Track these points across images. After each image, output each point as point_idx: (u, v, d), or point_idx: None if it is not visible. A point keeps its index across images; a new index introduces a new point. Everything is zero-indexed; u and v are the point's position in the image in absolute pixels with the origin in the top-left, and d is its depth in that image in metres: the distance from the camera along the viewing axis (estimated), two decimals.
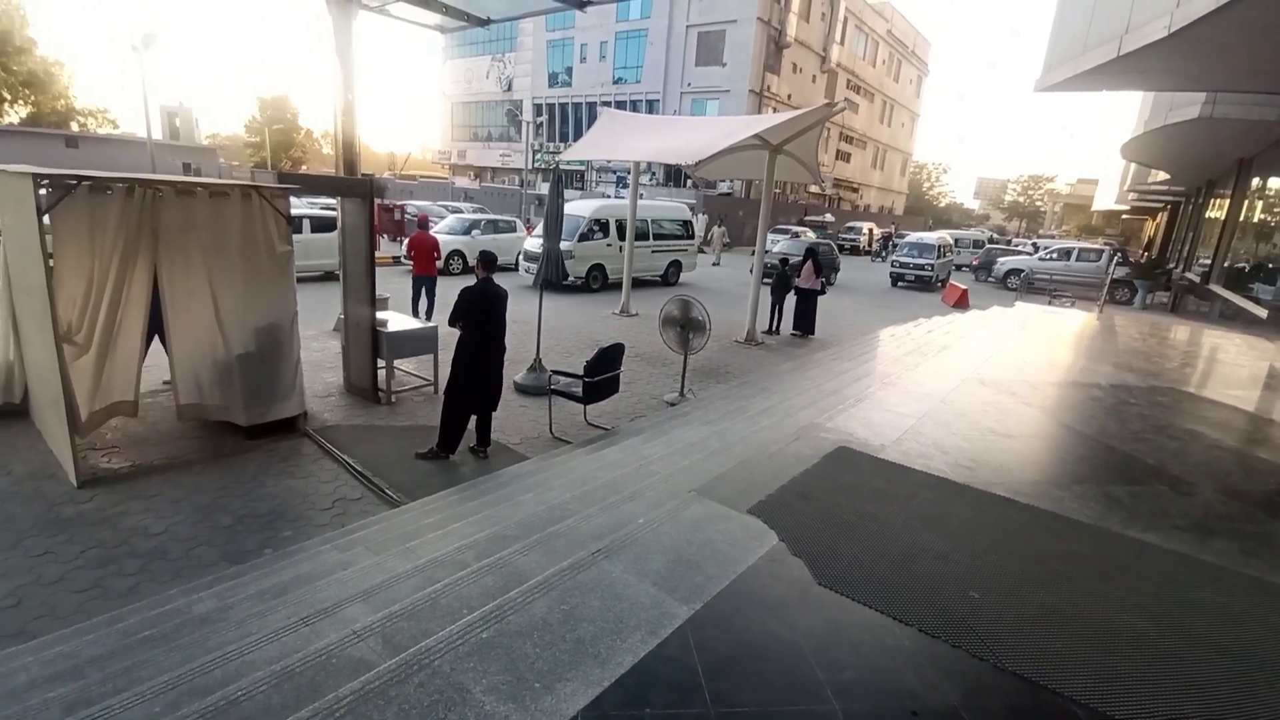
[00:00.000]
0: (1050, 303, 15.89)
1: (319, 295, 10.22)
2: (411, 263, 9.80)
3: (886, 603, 2.53)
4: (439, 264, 10.20)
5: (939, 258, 20.85)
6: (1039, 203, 77.40)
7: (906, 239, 23.57)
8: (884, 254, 30.44)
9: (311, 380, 6.32)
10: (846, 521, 3.14)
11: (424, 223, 10.70)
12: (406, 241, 10.94)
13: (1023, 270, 21.27)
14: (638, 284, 13.63)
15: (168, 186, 4.53)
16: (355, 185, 6.31)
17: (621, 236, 13.62)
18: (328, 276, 12.63)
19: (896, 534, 3.08)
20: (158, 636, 2.62)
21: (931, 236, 22.65)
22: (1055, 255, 22.17)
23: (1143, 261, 22.95)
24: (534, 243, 14.00)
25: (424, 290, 9.63)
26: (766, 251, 12.87)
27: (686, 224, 17.21)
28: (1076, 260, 21.18)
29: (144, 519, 4.03)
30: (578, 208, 14.98)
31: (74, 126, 38.69)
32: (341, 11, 7.21)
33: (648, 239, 15.75)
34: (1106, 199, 35.81)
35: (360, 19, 7.55)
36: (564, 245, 11.52)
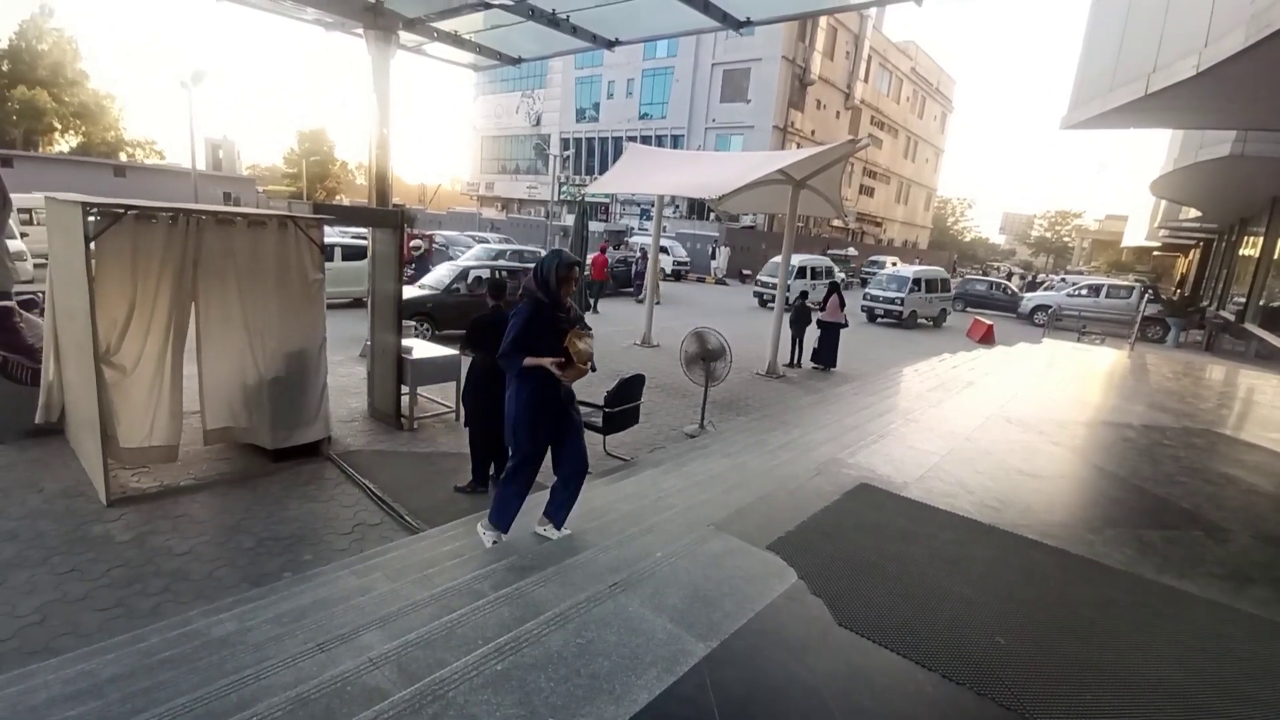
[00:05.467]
0: (1079, 339, 15.61)
1: (346, 321, 10.46)
2: (591, 272, 15.91)
3: (909, 646, 2.46)
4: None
5: (912, 291, 18.57)
6: (1066, 238, 76.55)
7: (883, 271, 22.31)
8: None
9: (336, 405, 6.42)
10: (868, 561, 3.08)
11: (604, 248, 16.59)
12: (594, 258, 17.00)
13: (1050, 306, 20.99)
14: None
15: (209, 216, 4.71)
16: (387, 216, 6.50)
17: None
18: (356, 303, 12.92)
19: (920, 575, 3.00)
20: (178, 658, 2.64)
21: (909, 269, 20.90)
22: (1084, 291, 21.87)
23: (1175, 299, 22.52)
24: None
25: (590, 291, 15.52)
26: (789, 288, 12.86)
27: None
28: (1106, 297, 20.86)
29: (169, 539, 4.10)
30: None
31: (123, 156, 40.52)
32: (380, 51, 7.52)
33: None
34: (1137, 235, 35.33)
35: (398, 58, 7.86)
36: None
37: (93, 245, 4.16)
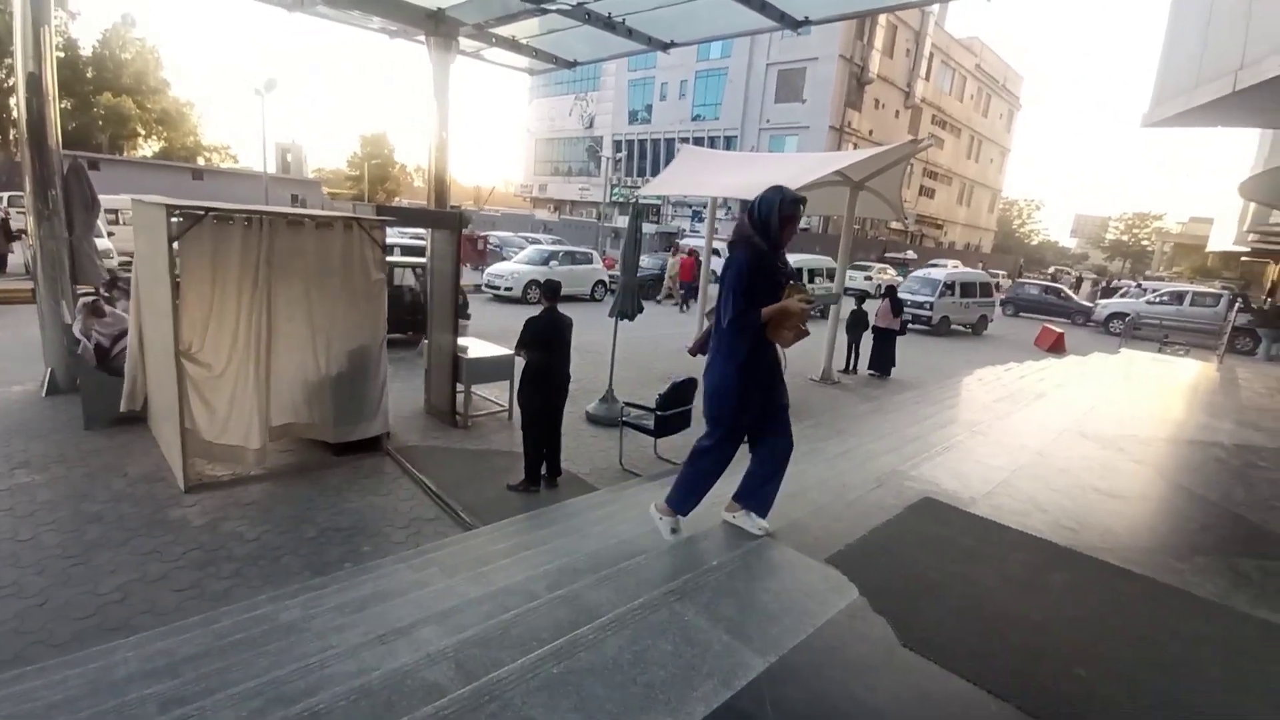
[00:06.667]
0: (1160, 350, 14.71)
1: None
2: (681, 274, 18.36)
3: (979, 673, 2.33)
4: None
5: (943, 295, 16.99)
6: (1145, 242, 72.31)
7: (914, 273, 20.22)
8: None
9: (394, 401, 6.59)
10: (933, 580, 2.94)
11: (692, 252, 18.32)
12: (681, 260, 18.94)
13: (1127, 314, 19.86)
14: None
15: (280, 218, 4.89)
16: (445, 218, 6.64)
17: None
18: None
19: (989, 597, 2.85)
20: (248, 640, 2.74)
21: (941, 271, 19.01)
22: (1165, 299, 20.62)
23: (1266, 308, 20.94)
24: None
25: (687, 291, 17.72)
26: (846, 290, 12.52)
27: None
28: (1190, 305, 19.61)
29: (240, 525, 4.28)
30: None
31: (200, 161, 42.82)
32: (441, 57, 7.70)
33: None
34: (1223, 239, 33.08)
35: (457, 63, 8.04)
36: None
37: (176, 245, 4.39)
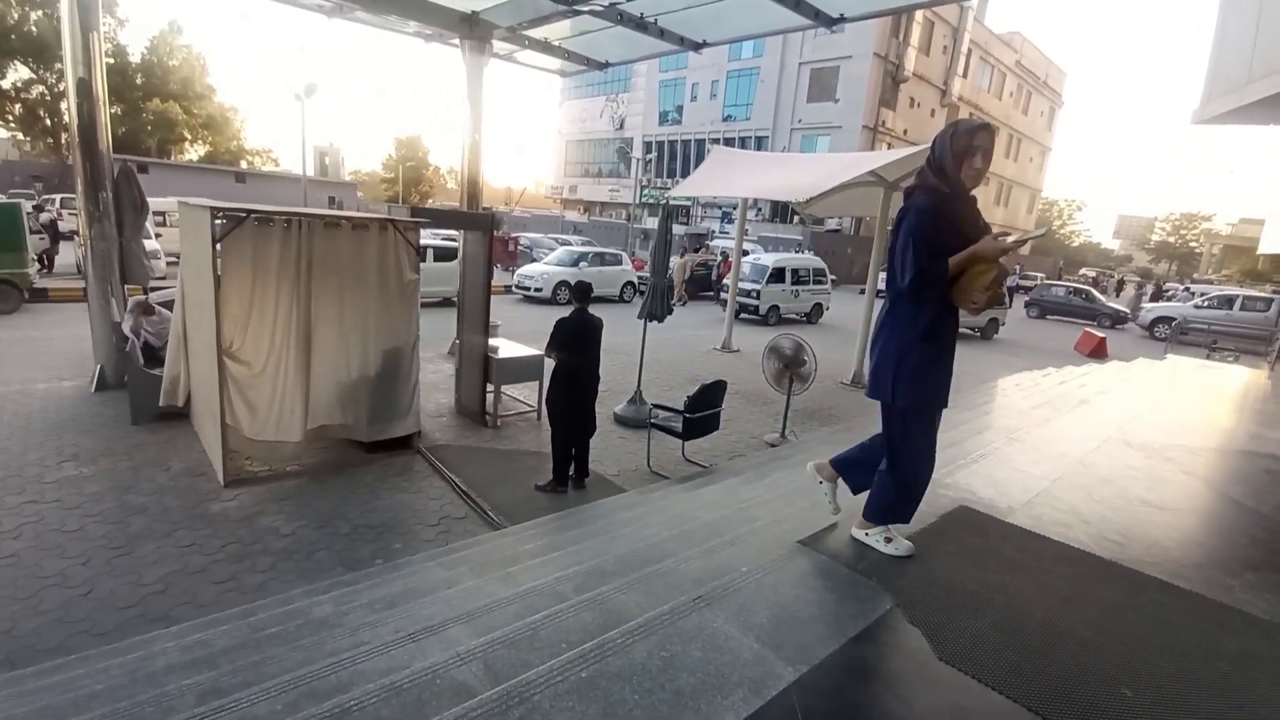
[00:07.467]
0: (1209, 356, 14.15)
1: (437, 320, 10.90)
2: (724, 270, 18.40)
3: (1019, 690, 2.25)
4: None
5: None
6: (1193, 244, 69.64)
7: None
8: None
9: (426, 401, 6.68)
10: (970, 591, 2.86)
11: (725, 254, 19.41)
12: (720, 264, 19.70)
13: (1173, 319, 19.16)
14: None
15: (318, 220, 5.00)
16: (477, 219, 6.71)
17: None
18: (446, 303, 13.47)
19: (1030, 611, 2.76)
20: (283, 634, 2.79)
21: None
22: (1214, 303, 19.85)
23: None
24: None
25: (720, 292, 17.31)
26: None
27: None
28: (1240, 309, 18.85)
29: (276, 520, 4.38)
30: None
31: (243, 164, 44.04)
32: (475, 60, 7.79)
33: None
34: (1275, 242, 31.76)
35: (490, 65, 8.12)
36: None
37: (218, 246, 4.51)
